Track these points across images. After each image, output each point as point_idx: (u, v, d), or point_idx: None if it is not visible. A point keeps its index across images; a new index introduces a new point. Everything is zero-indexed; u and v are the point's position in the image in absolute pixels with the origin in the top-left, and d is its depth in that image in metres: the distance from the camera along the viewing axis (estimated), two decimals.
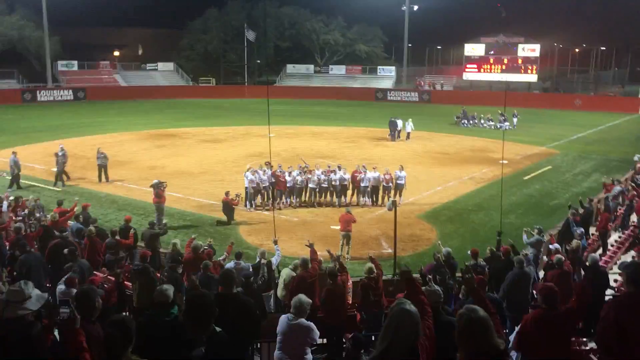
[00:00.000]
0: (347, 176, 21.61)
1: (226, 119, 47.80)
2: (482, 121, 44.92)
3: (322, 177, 21.35)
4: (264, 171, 21.08)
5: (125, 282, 11.09)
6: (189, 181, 25.55)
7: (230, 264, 12.43)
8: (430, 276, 10.40)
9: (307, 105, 59.08)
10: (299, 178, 21.23)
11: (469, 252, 12.43)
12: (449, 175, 26.89)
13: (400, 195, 21.79)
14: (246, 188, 20.95)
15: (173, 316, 5.74)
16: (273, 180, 20.90)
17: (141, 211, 20.70)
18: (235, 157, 30.51)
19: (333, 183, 21.40)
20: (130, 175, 26.48)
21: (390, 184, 21.60)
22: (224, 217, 19.57)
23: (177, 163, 29.29)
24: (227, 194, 19.63)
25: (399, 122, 37.44)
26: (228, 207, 19.47)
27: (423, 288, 6.60)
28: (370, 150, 33.22)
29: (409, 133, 37.19)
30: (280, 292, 11.48)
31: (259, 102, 56.92)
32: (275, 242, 13.26)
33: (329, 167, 22.49)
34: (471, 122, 45.05)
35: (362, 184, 21.50)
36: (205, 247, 12.88)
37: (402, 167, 21.97)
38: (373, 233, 18.73)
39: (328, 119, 47.13)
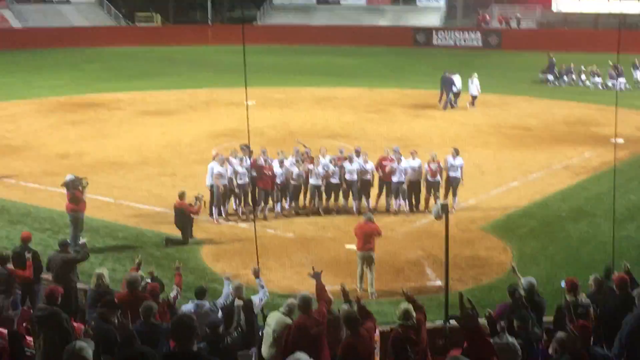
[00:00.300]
0: (371, 166, 21.66)
1: (179, 79, 47.79)
2: (584, 77, 44.73)
3: (331, 167, 21.41)
4: (241, 160, 21.14)
5: (24, 335, 11.11)
6: (122, 177, 25.55)
7: (187, 306, 12.45)
8: (503, 323, 10.46)
9: (306, 55, 59.07)
10: (294, 170, 21.29)
11: (562, 283, 12.42)
12: (532, 162, 26.85)
13: (454, 196, 21.81)
14: (211, 187, 21.00)
15: None
16: (254, 173, 20.95)
17: (47, 224, 20.73)
18: (194, 138, 30.51)
19: (347, 177, 21.45)
20: (28, 169, 26.48)
21: (439, 178, 21.60)
22: (177, 233, 19.61)
23: (103, 148, 29.30)
24: (181, 196, 19.64)
25: (457, 80, 37.56)
26: (183, 216, 19.46)
27: (492, 341, 6.62)
28: (406, 124, 33.21)
29: (474, 97, 37.30)
30: (266, 349, 11.48)
31: (230, 50, 56.89)
32: (257, 274, 13.28)
33: (342, 152, 22.49)
34: (566, 78, 44.88)
35: (394, 179, 21.52)
36: (148, 280, 12.90)
37: (456, 151, 21.96)
38: (411, 255, 18.69)
39: (339, 77, 47.07)
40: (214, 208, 21.03)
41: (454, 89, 37.23)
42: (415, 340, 9.99)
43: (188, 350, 6.40)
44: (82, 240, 18.65)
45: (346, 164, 21.50)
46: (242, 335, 11.87)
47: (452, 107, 37.09)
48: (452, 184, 21.79)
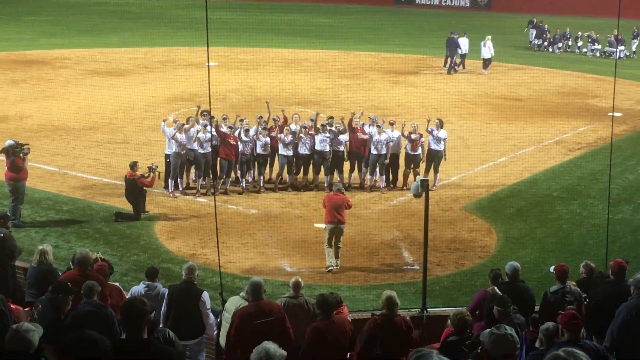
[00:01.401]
0: (345, 137, 21.58)
1: (133, 35, 47.24)
2: (580, 43, 44.97)
3: (305, 138, 21.28)
4: (204, 126, 20.65)
5: None
6: (68, 144, 25.41)
7: (137, 288, 12.40)
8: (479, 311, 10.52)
9: (275, 12, 58.65)
10: (261, 139, 21.10)
11: (551, 269, 12.55)
12: (521, 136, 27.02)
13: (436, 172, 21.87)
14: (167, 156, 20.90)
15: None
16: (216, 142, 20.84)
17: None
18: (149, 103, 30.30)
19: (318, 148, 21.41)
20: None
21: (419, 152, 21.65)
22: (128, 207, 19.57)
23: (47, 111, 29.06)
24: (132, 166, 19.53)
25: (463, 43, 38.10)
26: (135, 189, 19.38)
27: (484, 333, 6.67)
28: (384, 91, 33.19)
29: (486, 60, 38.00)
30: (224, 338, 11.53)
31: (191, 5, 56.32)
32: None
33: (312, 119, 22.36)
34: (560, 44, 45.13)
35: (372, 151, 21.53)
36: (99, 258, 12.81)
37: (441, 122, 21.94)
38: (387, 236, 18.79)
39: (311, 38, 46.87)
40: (169, 180, 20.92)
41: (460, 52, 38.04)
42: (388, 335, 10.05)
43: (138, 338, 6.35)
44: (20, 213, 18.54)
45: (321, 134, 21.42)
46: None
47: (456, 71, 37.73)
48: (434, 159, 21.79)
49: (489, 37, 38.21)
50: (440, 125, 21.82)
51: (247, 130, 21.20)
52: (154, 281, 12.27)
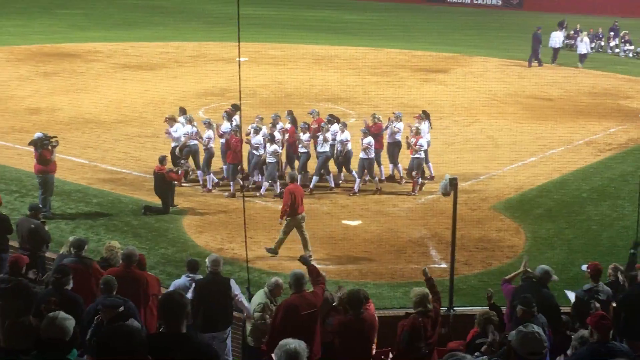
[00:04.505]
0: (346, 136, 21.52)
1: (165, 30, 47.50)
2: (612, 43, 44.55)
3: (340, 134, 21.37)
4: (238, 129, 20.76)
5: None
6: (98, 137, 25.55)
7: (179, 281, 12.49)
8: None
9: (307, 8, 58.66)
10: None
11: (584, 268, 12.48)
12: (551, 137, 26.81)
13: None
14: (208, 148, 21.06)
15: None
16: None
17: (14, 186, 20.75)
18: (179, 97, 30.40)
19: (339, 147, 21.33)
20: None
21: (419, 155, 21.18)
22: (157, 201, 19.68)
23: (78, 104, 29.25)
24: (162, 161, 19.64)
25: (554, 37, 39.72)
26: (164, 183, 19.47)
27: (513, 333, 6.67)
28: (415, 89, 33.06)
29: (583, 55, 39.13)
30: (250, 332, 11.61)
31: (223, 0, 56.58)
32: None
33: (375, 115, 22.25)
34: (593, 44, 44.75)
35: (388, 140, 21.84)
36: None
37: (424, 114, 22.00)
38: (415, 234, 18.78)
39: (342, 34, 46.84)
40: (205, 169, 21.07)
41: (558, 45, 40.35)
42: (430, 332, 10.06)
43: (177, 332, 6.37)
44: (49, 205, 18.69)
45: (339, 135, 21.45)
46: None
47: (541, 64, 38.96)
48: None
49: (585, 32, 40.57)
50: (422, 118, 21.92)
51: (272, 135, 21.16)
52: (196, 274, 12.37)
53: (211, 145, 21.08)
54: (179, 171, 19.89)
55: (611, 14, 53.17)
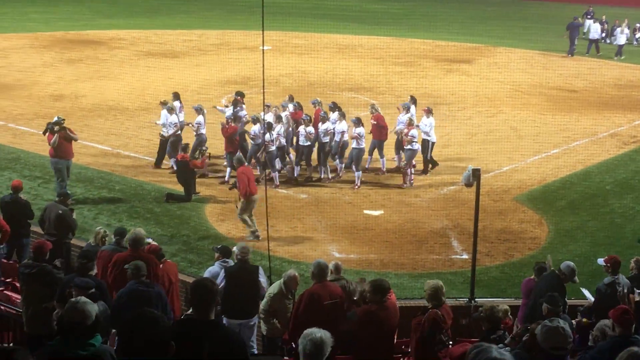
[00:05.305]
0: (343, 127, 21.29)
1: (188, 18, 47.62)
2: (638, 35, 44.13)
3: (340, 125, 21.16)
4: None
5: (8, 293, 11.24)
6: (122, 124, 25.70)
7: (214, 268, 12.50)
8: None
9: None
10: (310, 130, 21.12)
11: (600, 262, 12.42)
12: (575, 128, 26.67)
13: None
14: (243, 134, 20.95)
15: (91, 351, 5.81)
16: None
17: (37, 172, 20.90)
18: (202, 85, 30.51)
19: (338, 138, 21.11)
20: (18, 110, 26.65)
21: (414, 147, 20.90)
22: (178, 189, 19.75)
23: (102, 91, 29.42)
24: (184, 148, 19.73)
25: (590, 27, 40.50)
26: (187, 171, 19.57)
27: (542, 324, 6.64)
28: (438, 79, 32.99)
29: (620, 47, 39.56)
30: (265, 324, 11.65)
31: None
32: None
33: (374, 105, 22.16)
34: (618, 34, 44.38)
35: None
36: (149, 241, 12.98)
37: (429, 110, 21.67)
38: (437, 225, 18.74)
39: (365, 24, 46.78)
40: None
41: (597, 35, 40.81)
42: (446, 323, 10.04)
43: (206, 318, 6.40)
44: (64, 190, 18.70)
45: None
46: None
47: (571, 55, 39.39)
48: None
49: (626, 20, 41.64)
50: (429, 112, 21.65)
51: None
52: (228, 259, 12.47)
53: (202, 131, 21.13)
54: (200, 158, 19.92)
55: (635, 4, 52.81)
